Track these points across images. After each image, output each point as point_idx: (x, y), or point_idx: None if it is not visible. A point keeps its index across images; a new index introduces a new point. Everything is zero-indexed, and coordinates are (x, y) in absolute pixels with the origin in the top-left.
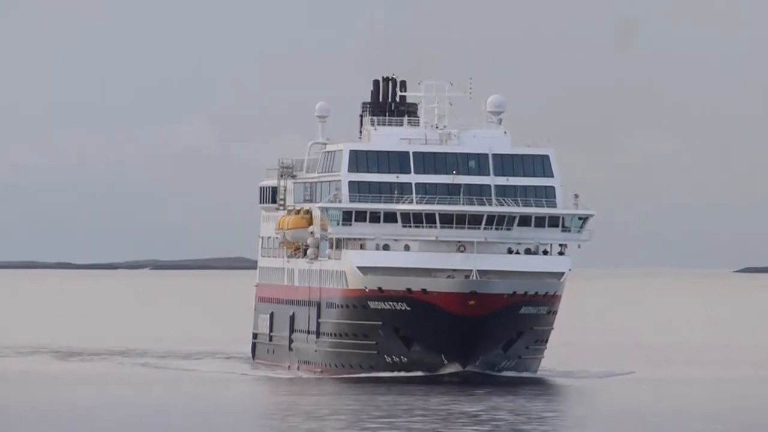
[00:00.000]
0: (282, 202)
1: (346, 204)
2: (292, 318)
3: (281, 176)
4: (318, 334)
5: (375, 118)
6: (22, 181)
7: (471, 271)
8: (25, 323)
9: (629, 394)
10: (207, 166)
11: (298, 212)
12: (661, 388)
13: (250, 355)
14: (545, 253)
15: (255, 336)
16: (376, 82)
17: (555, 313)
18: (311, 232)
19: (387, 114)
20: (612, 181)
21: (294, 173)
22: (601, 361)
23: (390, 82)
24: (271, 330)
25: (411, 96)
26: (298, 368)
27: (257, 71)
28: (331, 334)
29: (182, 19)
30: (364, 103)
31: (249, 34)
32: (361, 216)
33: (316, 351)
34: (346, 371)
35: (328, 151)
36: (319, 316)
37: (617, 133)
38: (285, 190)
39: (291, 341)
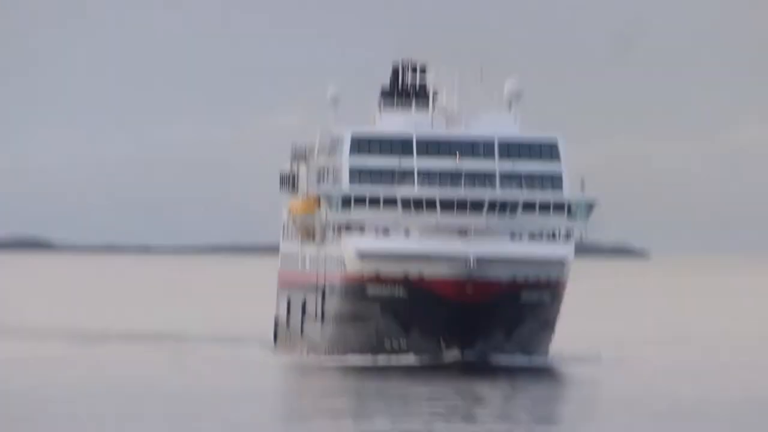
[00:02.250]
0: (294, 187)
1: (345, 189)
2: (304, 304)
3: (294, 160)
4: (323, 319)
5: (383, 100)
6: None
7: (469, 257)
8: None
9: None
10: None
11: (309, 197)
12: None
13: (273, 341)
14: (550, 238)
15: (276, 322)
16: (395, 67)
17: (560, 299)
18: (319, 218)
19: (401, 98)
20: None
21: (307, 157)
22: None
23: (409, 66)
24: (288, 315)
25: (422, 80)
26: (308, 354)
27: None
28: (333, 319)
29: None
30: (383, 89)
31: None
32: (360, 201)
33: (321, 336)
34: (347, 356)
35: (334, 135)
36: (323, 301)
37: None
38: (298, 175)
39: (302, 327)
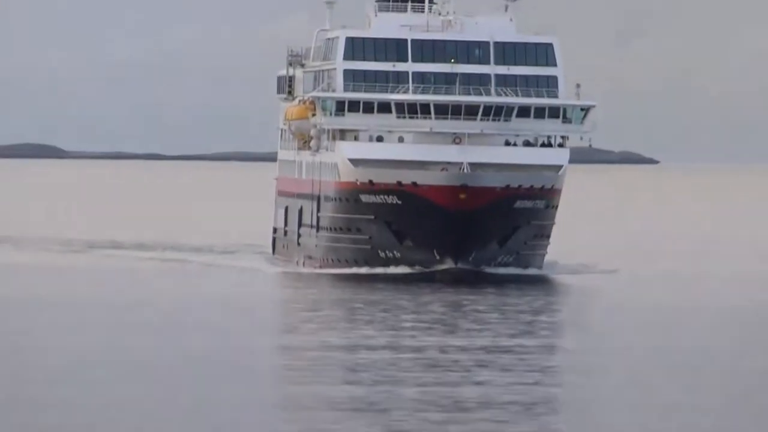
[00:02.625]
0: (290, 92)
1: (339, 93)
2: (300, 212)
3: (290, 65)
4: (318, 228)
5: (377, 3)
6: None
7: (462, 163)
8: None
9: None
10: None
11: (304, 102)
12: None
13: (271, 250)
14: (544, 145)
15: (274, 231)
16: None
17: (555, 207)
18: (314, 124)
19: (397, 0)
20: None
21: (303, 62)
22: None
23: None
24: (285, 224)
25: None
26: (304, 263)
27: None
28: (328, 228)
29: None
30: None
31: None
32: (354, 106)
33: (316, 246)
34: (341, 266)
35: (329, 38)
36: (318, 209)
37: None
38: (293, 79)
39: (299, 236)
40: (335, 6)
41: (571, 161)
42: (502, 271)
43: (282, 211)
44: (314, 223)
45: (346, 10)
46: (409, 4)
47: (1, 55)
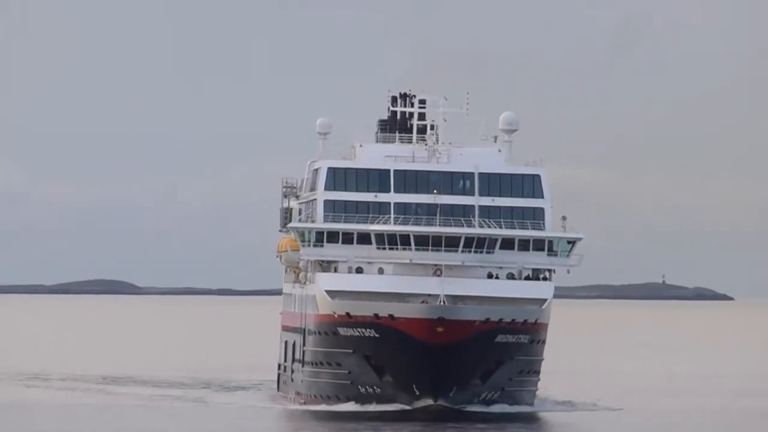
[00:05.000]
0: (286, 224)
1: (318, 224)
2: (293, 347)
3: (285, 196)
4: (303, 362)
5: (380, 133)
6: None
7: (439, 296)
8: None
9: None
10: None
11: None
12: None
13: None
14: (529, 278)
15: (279, 367)
16: (393, 99)
17: (542, 342)
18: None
19: (395, 130)
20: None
21: (298, 193)
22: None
23: (407, 98)
24: (284, 359)
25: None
26: (294, 400)
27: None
28: (311, 363)
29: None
30: (380, 121)
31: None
32: (333, 237)
33: (302, 381)
34: (323, 402)
35: (315, 169)
36: (303, 343)
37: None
38: (288, 211)
39: (292, 371)
40: (329, 137)
41: (643, 297)
42: (483, 409)
43: (283, 346)
44: (301, 357)
45: (341, 141)
46: (397, 134)
47: (78, 189)
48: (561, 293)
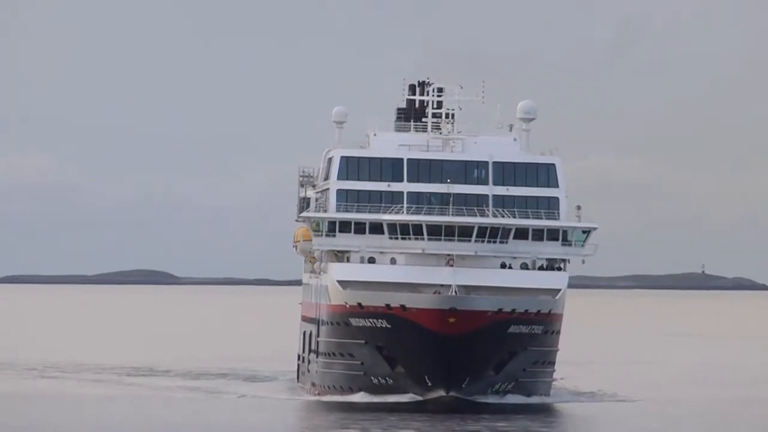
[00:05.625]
0: (301, 213)
1: (330, 214)
2: (309, 337)
3: (301, 185)
4: (317, 353)
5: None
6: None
7: (451, 286)
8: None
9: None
10: None
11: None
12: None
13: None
14: (543, 268)
15: (298, 357)
16: (411, 87)
17: (556, 332)
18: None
19: (413, 118)
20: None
21: (314, 182)
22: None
23: (424, 86)
24: (302, 350)
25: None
26: (310, 391)
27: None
28: (324, 353)
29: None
30: (398, 109)
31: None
32: (345, 227)
33: (316, 372)
34: (336, 393)
35: (330, 158)
36: (318, 334)
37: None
38: (306, 200)
39: (308, 362)
40: (346, 125)
41: (682, 287)
42: (497, 400)
43: (302, 337)
44: (315, 348)
45: (358, 130)
46: (412, 123)
47: (119, 181)
48: (599, 284)
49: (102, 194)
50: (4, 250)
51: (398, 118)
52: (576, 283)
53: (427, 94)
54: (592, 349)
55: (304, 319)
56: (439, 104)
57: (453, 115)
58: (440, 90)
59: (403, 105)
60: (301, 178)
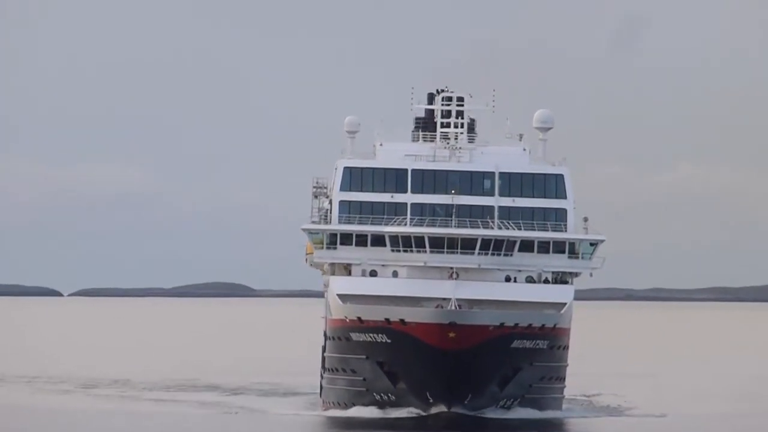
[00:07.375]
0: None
1: (331, 226)
2: (323, 352)
3: (315, 196)
4: (324, 368)
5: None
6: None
7: (452, 299)
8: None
9: None
10: None
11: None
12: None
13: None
14: (548, 281)
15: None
16: (430, 96)
17: (563, 347)
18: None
19: (431, 128)
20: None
21: (328, 193)
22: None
23: (441, 96)
24: (322, 366)
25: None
26: (323, 407)
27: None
28: (329, 369)
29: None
30: (416, 119)
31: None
32: (347, 239)
33: (323, 387)
34: (341, 408)
35: (336, 168)
36: (324, 349)
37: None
38: (318, 211)
39: (322, 377)
40: (358, 135)
41: (762, 299)
42: (502, 415)
43: (320, 351)
44: (322, 363)
45: (370, 140)
46: (420, 133)
47: (198, 195)
48: (677, 296)
49: (177, 205)
50: (82, 262)
51: (416, 128)
52: (652, 295)
53: (443, 103)
54: (638, 362)
55: (324, 333)
56: (460, 113)
57: (472, 124)
58: (460, 99)
59: (422, 114)
60: (314, 189)
